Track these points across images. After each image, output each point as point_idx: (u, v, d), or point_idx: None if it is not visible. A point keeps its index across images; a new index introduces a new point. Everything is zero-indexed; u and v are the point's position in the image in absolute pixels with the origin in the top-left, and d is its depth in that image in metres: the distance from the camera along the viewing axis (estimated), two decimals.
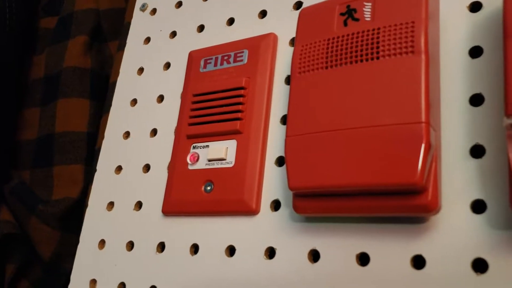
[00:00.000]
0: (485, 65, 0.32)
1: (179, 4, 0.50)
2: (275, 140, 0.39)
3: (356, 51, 0.32)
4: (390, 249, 0.31)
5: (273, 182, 0.38)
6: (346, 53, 0.32)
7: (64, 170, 0.61)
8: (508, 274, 0.27)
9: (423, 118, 0.28)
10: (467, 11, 0.34)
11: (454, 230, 0.30)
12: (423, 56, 0.30)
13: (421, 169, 0.28)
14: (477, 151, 0.31)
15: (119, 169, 0.47)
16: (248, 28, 0.44)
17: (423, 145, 0.28)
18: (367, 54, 0.31)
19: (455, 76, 0.33)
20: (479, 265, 0.28)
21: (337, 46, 0.33)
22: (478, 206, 0.30)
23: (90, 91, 0.64)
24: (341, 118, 0.31)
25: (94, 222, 0.47)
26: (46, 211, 0.59)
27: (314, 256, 0.34)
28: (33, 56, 0.72)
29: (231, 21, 0.45)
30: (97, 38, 0.67)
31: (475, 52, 0.33)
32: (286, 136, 0.33)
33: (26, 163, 0.66)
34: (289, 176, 0.32)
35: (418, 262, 0.30)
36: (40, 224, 0.60)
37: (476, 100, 0.32)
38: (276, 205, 0.37)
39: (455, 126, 0.31)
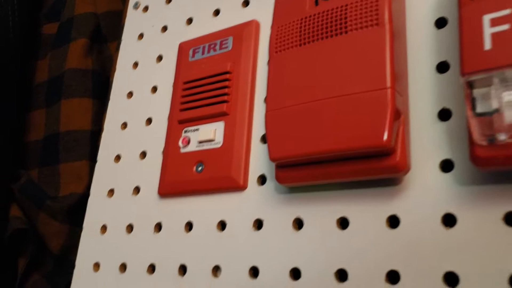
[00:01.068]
0: (449, 34, 0.33)
1: (168, 0, 0.52)
2: (260, 120, 0.41)
3: (327, 27, 0.34)
4: (367, 212, 0.33)
5: (259, 159, 0.40)
6: (317, 30, 0.34)
7: (70, 167, 0.64)
8: (474, 226, 0.29)
9: (388, 84, 0.30)
10: None
11: (425, 189, 0.31)
12: (387, 27, 0.31)
13: (388, 132, 0.30)
14: (444, 115, 0.32)
15: (118, 158, 0.50)
16: (233, 17, 0.46)
17: (389, 109, 0.30)
18: (336, 29, 0.33)
19: (422, 46, 0.34)
20: (448, 220, 0.30)
21: (309, 24, 0.35)
22: (446, 166, 0.31)
23: (92, 90, 0.67)
24: (314, 91, 0.33)
25: (96, 209, 0.49)
26: (54, 206, 0.61)
27: (299, 224, 0.36)
28: (37, 61, 0.75)
29: (217, 12, 0.48)
30: (97, 40, 0.70)
31: (440, 23, 0.34)
32: (266, 111, 0.35)
33: (34, 162, 0.69)
34: (269, 148, 0.34)
35: (393, 221, 0.32)
36: (49, 219, 0.62)
37: (442, 67, 0.33)
38: (262, 180, 0.39)
39: (424, 92, 0.33)
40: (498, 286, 0.27)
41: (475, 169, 0.30)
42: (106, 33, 0.70)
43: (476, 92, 0.28)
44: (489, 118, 0.27)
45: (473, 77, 0.27)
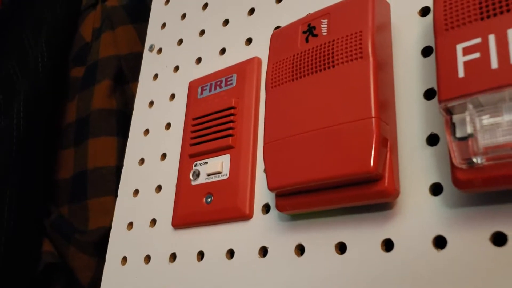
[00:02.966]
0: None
1: (180, 42, 0.56)
2: None
3: (316, 63, 0.36)
4: (363, 236, 0.34)
5: (263, 188, 0.42)
6: (308, 65, 0.36)
7: (98, 202, 0.67)
8: (464, 247, 0.30)
9: (373, 114, 0.32)
10: (418, 16, 0.37)
11: (416, 212, 0.32)
12: (371, 59, 0.33)
13: (374, 159, 0.31)
14: (433, 140, 0.33)
15: (136, 192, 0.53)
16: (237, 55, 0.49)
17: (374, 137, 0.31)
18: (325, 64, 0.35)
19: (409, 74, 0.36)
20: (440, 242, 0.31)
21: (300, 60, 0.37)
22: (435, 189, 0.32)
23: (117, 129, 0.70)
24: (306, 122, 0.35)
25: (117, 242, 0.52)
26: (83, 240, 0.64)
27: (301, 250, 0.37)
28: (67, 103, 0.80)
29: (223, 51, 0.50)
30: (120, 81, 0.74)
31: (426, 51, 0.36)
32: (264, 143, 0.37)
33: (64, 199, 0.72)
34: (267, 178, 0.36)
35: (388, 245, 0.33)
36: (78, 253, 0.65)
37: (430, 94, 0.35)
38: (267, 209, 0.41)
39: (412, 118, 0.35)
40: None
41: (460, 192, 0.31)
42: (128, 74, 0.74)
43: (456, 117, 0.29)
44: (467, 142, 0.28)
45: (449, 104, 0.29)
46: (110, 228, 0.64)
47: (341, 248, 0.35)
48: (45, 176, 0.73)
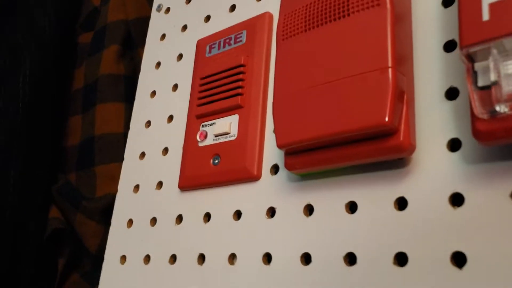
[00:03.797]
0: (456, 12, 0.33)
1: (188, 0, 0.54)
2: None
3: (330, 11, 0.34)
4: (375, 195, 0.33)
5: (272, 149, 0.40)
6: (321, 15, 0.34)
7: (105, 169, 0.66)
8: (482, 204, 0.28)
9: (390, 63, 0.30)
10: None
11: (432, 169, 0.31)
12: (388, 6, 0.31)
13: (389, 111, 0.29)
14: (452, 94, 0.32)
15: (142, 155, 0.51)
16: (248, 11, 0.47)
17: (390, 89, 0.30)
18: (339, 13, 0.33)
19: (429, 26, 0.34)
20: (456, 200, 0.29)
21: (313, 9, 0.35)
22: (453, 145, 0.31)
23: (125, 95, 0.69)
24: (318, 75, 0.33)
25: (123, 205, 0.51)
26: (90, 207, 0.64)
27: (309, 210, 0.36)
28: (75, 69, 0.78)
29: (233, 8, 0.49)
30: (128, 46, 0.73)
31: (447, 1, 0.34)
32: (273, 99, 0.36)
33: (72, 166, 0.72)
34: (276, 135, 0.35)
35: (401, 203, 0.32)
36: (86, 219, 0.64)
37: (450, 46, 0.33)
38: (275, 170, 0.39)
39: (431, 71, 0.33)
40: (506, 263, 0.26)
41: (482, 147, 0.29)
42: (136, 39, 0.73)
43: (478, 65, 0.27)
44: (489, 91, 0.26)
45: (471, 49, 0.27)
46: None
47: (352, 207, 0.34)
48: (53, 143, 0.73)
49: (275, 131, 0.35)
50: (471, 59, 0.27)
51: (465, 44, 0.27)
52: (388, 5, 0.31)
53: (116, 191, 0.63)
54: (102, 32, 0.74)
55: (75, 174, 0.70)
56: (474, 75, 0.27)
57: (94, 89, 0.71)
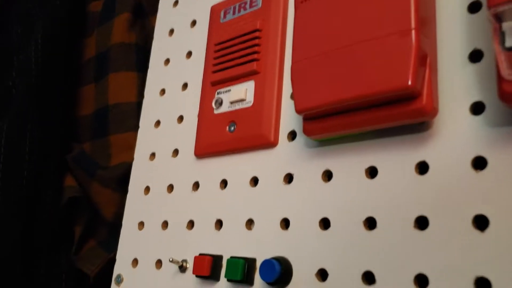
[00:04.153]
0: None
1: None
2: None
3: None
4: (395, 160, 0.32)
5: (289, 115, 0.40)
6: None
7: (119, 138, 0.66)
8: (505, 167, 0.28)
9: (413, 25, 0.29)
10: None
11: (455, 133, 0.30)
12: None
13: (412, 74, 0.29)
14: (476, 56, 0.31)
15: (157, 123, 0.51)
16: None
17: (413, 51, 0.29)
18: None
19: None
20: (479, 163, 0.29)
21: None
22: (477, 108, 0.30)
23: (136, 63, 0.69)
24: (339, 38, 0.33)
25: (139, 173, 0.51)
26: (105, 175, 0.64)
27: (328, 176, 0.36)
28: (86, 38, 0.78)
29: None
30: (139, 14, 0.72)
31: None
32: (292, 62, 0.35)
33: (86, 136, 0.72)
34: (295, 100, 0.34)
35: (423, 168, 0.31)
36: (101, 188, 0.65)
37: (474, 7, 0.32)
38: (293, 136, 0.39)
39: (454, 33, 0.32)
40: None
41: (507, 110, 0.28)
42: (147, 7, 0.72)
43: (506, 25, 0.27)
44: None
45: (499, 9, 0.26)
46: (132, 163, 0.64)
47: (372, 172, 0.34)
48: (66, 112, 0.73)
49: (293, 95, 0.35)
50: (498, 19, 0.26)
51: (494, 3, 0.26)
52: None
53: (131, 159, 0.64)
54: (112, 0, 0.73)
55: (90, 143, 0.71)
56: (501, 35, 0.26)
57: (106, 58, 0.70)
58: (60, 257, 0.65)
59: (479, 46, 0.31)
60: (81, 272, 0.62)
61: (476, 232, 0.28)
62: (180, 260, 0.42)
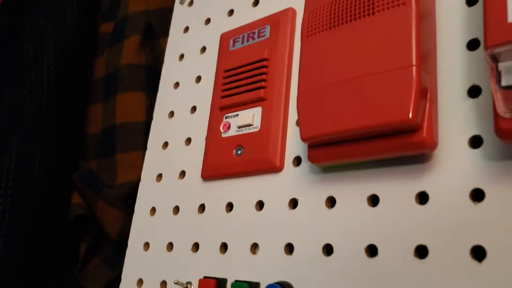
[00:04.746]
0: (480, 12, 0.33)
1: None
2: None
3: (355, 10, 0.35)
4: (397, 189, 0.34)
5: (295, 141, 0.41)
6: (346, 13, 0.35)
7: (126, 157, 0.68)
8: (503, 201, 0.29)
9: (414, 62, 0.31)
10: None
11: (454, 165, 0.32)
12: (413, 6, 0.32)
13: (413, 108, 0.30)
14: (474, 92, 0.32)
15: (165, 145, 0.53)
16: (271, 6, 0.47)
17: (414, 86, 0.30)
18: (364, 11, 0.34)
19: (453, 24, 0.34)
20: (477, 195, 0.30)
21: (339, 7, 0.36)
22: (475, 142, 0.31)
23: (145, 84, 0.70)
24: (344, 71, 0.34)
25: (146, 193, 0.52)
26: (111, 194, 0.65)
27: (332, 202, 0.37)
28: (96, 58, 0.80)
29: (256, 2, 0.49)
30: (149, 37, 0.74)
31: (471, 0, 0.34)
32: (298, 92, 0.37)
33: (93, 154, 0.73)
34: (300, 128, 0.36)
35: (423, 198, 0.33)
36: (107, 206, 0.66)
37: (473, 44, 0.33)
38: (298, 161, 0.40)
39: (454, 69, 0.33)
40: None
41: (504, 144, 0.30)
42: (157, 29, 0.74)
43: (502, 65, 0.28)
44: None
45: (496, 50, 0.27)
46: (138, 182, 0.65)
47: (374, 200, 0.35)
48: (75, 130, 0.74)
49: (299, 124, 0.36)
50: (495, 59, 0.28)
51: (490, 45, 0.27)
52: (413, 5, 0.32)
53: (136, 178, 0.65)
54: (123, 22, 0.75)
55: (96, 162, 0.72)
56: (498, 74, 0.28)
57: (115, 78, 0.72)
58: (65, 274, 0.65)
59: (478, 82, 0.32)
60: None
61: (474, 263, 0.29)
62: (184, 282, 0.43)
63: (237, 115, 0.45)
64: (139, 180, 0.65)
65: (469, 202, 0.30)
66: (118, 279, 0.52)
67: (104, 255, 0.70)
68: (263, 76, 0.44)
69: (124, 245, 0.67)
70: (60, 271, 0.66)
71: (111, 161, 0.69)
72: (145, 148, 0.66)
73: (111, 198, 0.65)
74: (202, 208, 0.46)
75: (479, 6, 0.34)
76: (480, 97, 0.32)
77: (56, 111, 0.69)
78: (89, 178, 0.69)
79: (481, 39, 0.33)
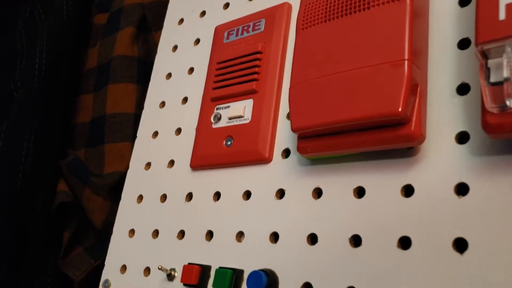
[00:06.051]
0: (472, 12, 0.34)
1: None
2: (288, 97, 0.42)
3: (350, 4, 0.35)
4: (383, 182, 0.34)
5: (284, 134, 0.42)
6: (342, 7, 0.36)
7: (114, 147, 0.68)
8: (486, 195, 0.30)
9: (406, 56, 0.32)
10: None
11: (440, 159, 0.32)
12: (408, 2, 0.33)
13: (403, 101, 0.31)
14: (463, 89, 0.33)
15: (155, 134, 0.53)
16: (266, 0, 0.48)
17: (405, 79, 0.31)
18: (359, 6, 0.35)
19: (445, 23, 0.35)
20: (461, 189, 0.31)
21: (334, 1, 0.36)
22: (462, 137, 0.32)
23: (137, 76, 0.70)
24: (336, 64, 0.35)
25: (133, 181, 0.52)
26: (98, 183, 0.65)
27: (318, 193, 0.38)
28: (88, 49, 0.80)
29: None
30: (143, 29, 0.74)
31: (464, 1, 0.35)
32: (290, 85, 0.37)
33: (82, 143, 0.73)
34: (291, 119, 0.36)
35: (408, 191, 0.33)
36: (93, 195, 0.66)
37: (464, 44, 0.34)
38: (287, 153, 0.41)
39: (444, 67, 0.34)
40: (505, 251, 0.28)
41: (490, 140, 0.30)
42: (152, 22, 0.74)
43: (491, 62, 0.29)
44: (501, 87, 0.28)
45: (486, 46, 0.28)
46: (125, 173, 0.65)
47: (360, 192, 0.35)
48: (64, 119, 0.74)
49: (290, 115, 0.36)
50: (485, 55, 0.29)
51: (481, 41, 0.28)
52: (408, 1, 0.33)
53: (124, 169, 0.65)
54: (118, 14, 0.75)
55: (84, 151, 0.72)
56: (487, 71, 0.29)
57: (107, 69, 0.72)
58: (47, 261, 0.65)
59: (467, 80, 0.33)
60: (67, 277, 0.62)
61: (456, 254, 0.30)
62: (168, 268, 0.43)
63: (228, 106, 0.45)
64: (127, 170, 0.65)
65: (454, 196, 0.31)
66: (100, 267, 0.51)
67: (87, 243, 0.69)
68: (256, 69, 0.44)
69: (109, 235, 0.66)
70: (42, 258, 0.65)
71: (100, 150, 0.69)
72: (134, 139, 0.66)
73: (98, 187, 0.65)
74: (189, 196, 0.46)
75: (471, 6, 0.34)
76: (468, 94, 0.32)
77: (47, 98, 0.69)
78: (77, 166, 0.69)
79: (472, 38, 0.34)
